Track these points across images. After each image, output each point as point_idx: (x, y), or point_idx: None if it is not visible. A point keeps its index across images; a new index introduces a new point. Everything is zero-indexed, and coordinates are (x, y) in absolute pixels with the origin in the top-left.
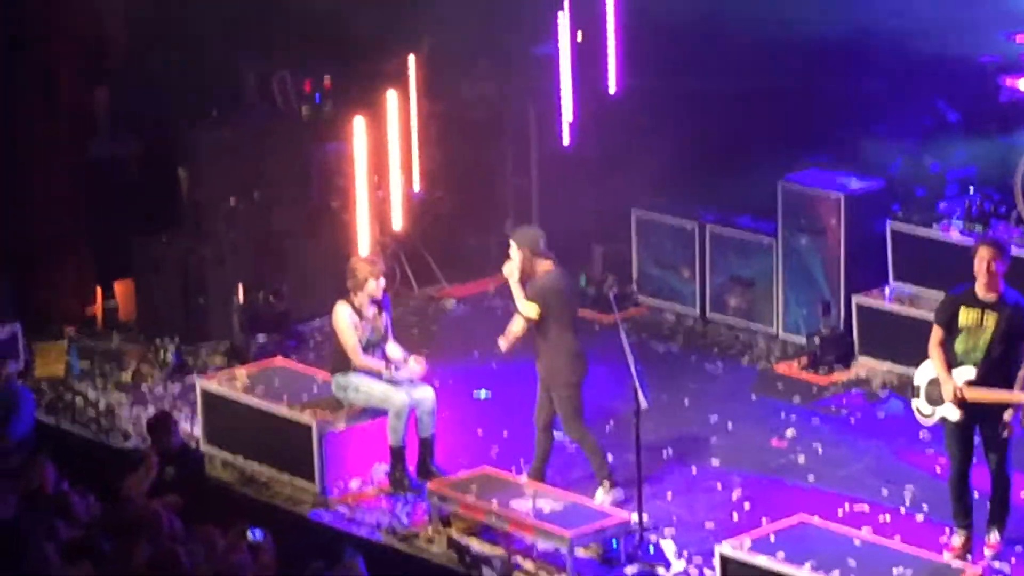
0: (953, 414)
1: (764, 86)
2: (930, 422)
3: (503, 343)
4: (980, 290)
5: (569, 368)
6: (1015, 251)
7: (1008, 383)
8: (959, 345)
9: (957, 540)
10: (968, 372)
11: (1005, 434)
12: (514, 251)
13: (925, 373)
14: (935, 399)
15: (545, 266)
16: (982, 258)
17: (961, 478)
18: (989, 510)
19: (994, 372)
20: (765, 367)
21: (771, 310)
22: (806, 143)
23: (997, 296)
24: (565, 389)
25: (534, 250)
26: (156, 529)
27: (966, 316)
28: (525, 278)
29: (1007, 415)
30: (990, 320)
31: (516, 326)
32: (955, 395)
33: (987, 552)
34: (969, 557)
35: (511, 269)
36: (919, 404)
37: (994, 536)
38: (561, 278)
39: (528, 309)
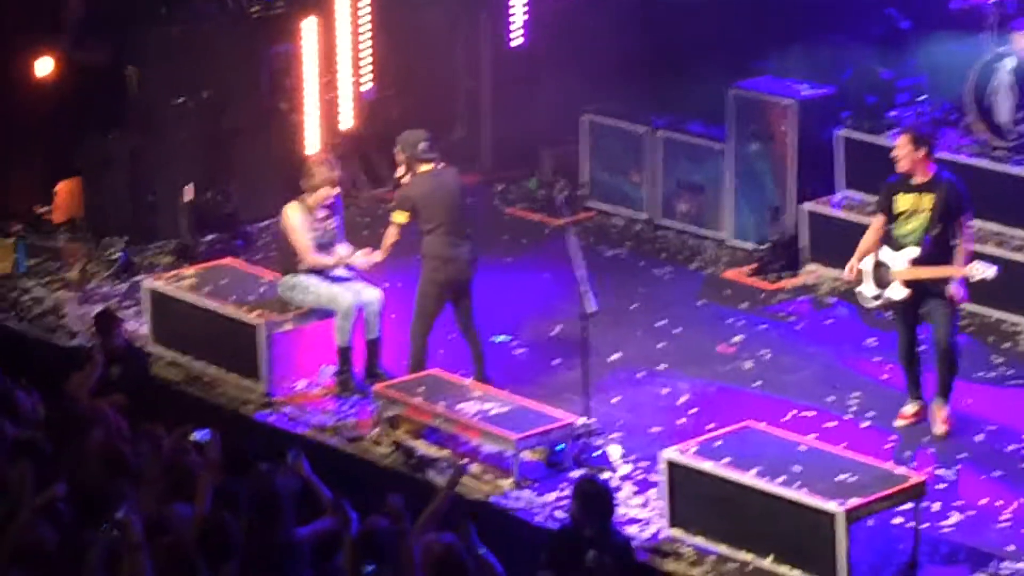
0: (899, 293)
1: None
2: (876, 304)
3: (378, 254)
4: (913, 176)
5: (431, 267)
6: (965, 160)
7: (948, 258)
8: (900, 229)
9: (909, 408)
10: (912, 252)
11: (954, 299)
12: (399, 155)
13: (871, 259)
14: (881, 281)
15: (425, 169)
16: (899, 146)
17: (909, 352)
18: (938, 384)
19: (935, 250)
20: (713, 273)
21: (720, 216)
22: (758, 50)
23: (930, 178)
24: (422, 286)
25: (414, 154)
26: (101, 427)
27: (904, 201)
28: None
29: (950, 289)
30: (926, 201)
31: (389, 237)
32: (850, 271)
33: (940, 428)
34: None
35: (401, 172)
36: (864, 288)
37: (945, 411)
38: (435, 178)
39: (396, 215)
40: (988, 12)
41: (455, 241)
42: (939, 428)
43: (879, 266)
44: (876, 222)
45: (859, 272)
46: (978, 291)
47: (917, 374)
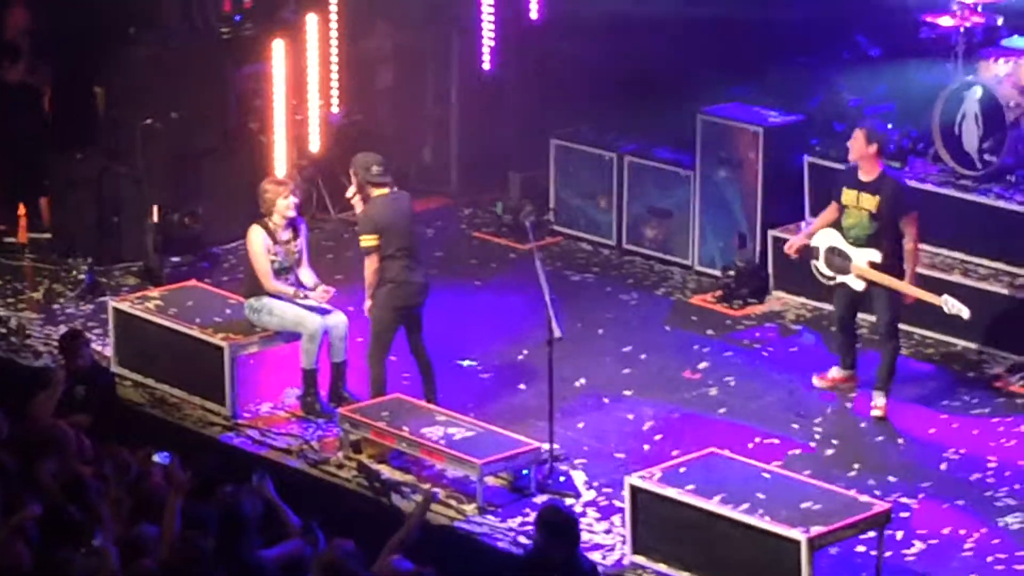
0: (858, 285)
1: (685, 16)
2: (830, 284)
3: (367, 298)
4: (861, 172)
5: (386, 293)
6: (932, 188)
7: (900, 255)
8: (844, 221)
9: (835, 372)
10: (873, 255)
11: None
12: (352, 177)
13: (824, 239)
14: (836, 267)
15: (379, 192)
16: (854, 138)
17: (843, 329)
18: (879, 370)
19: (890, 250)
20: (680, 299)
21: (687, 242)
22: (726, 76)
23: (875, 177)
24: (376, 312)
25: (367, 177)
26: (63, 448)
27: (847, 196)
28: (364, 203)
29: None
30: (865, 201)
31: (369, 266)
32: (790, 248)
33: (875, 412)
34: (853, 395)
35: (352, 192)
36: (819, 265)
37: (881, 399)
38: (390, 204)
39: (364, 240)
40: (956, 41)
41: (411, 265)
42: (876, 412)
43: (833, 251)
44: (830, 208)
45: (809, 249)
46: (943, 320)
47: (850, 347)
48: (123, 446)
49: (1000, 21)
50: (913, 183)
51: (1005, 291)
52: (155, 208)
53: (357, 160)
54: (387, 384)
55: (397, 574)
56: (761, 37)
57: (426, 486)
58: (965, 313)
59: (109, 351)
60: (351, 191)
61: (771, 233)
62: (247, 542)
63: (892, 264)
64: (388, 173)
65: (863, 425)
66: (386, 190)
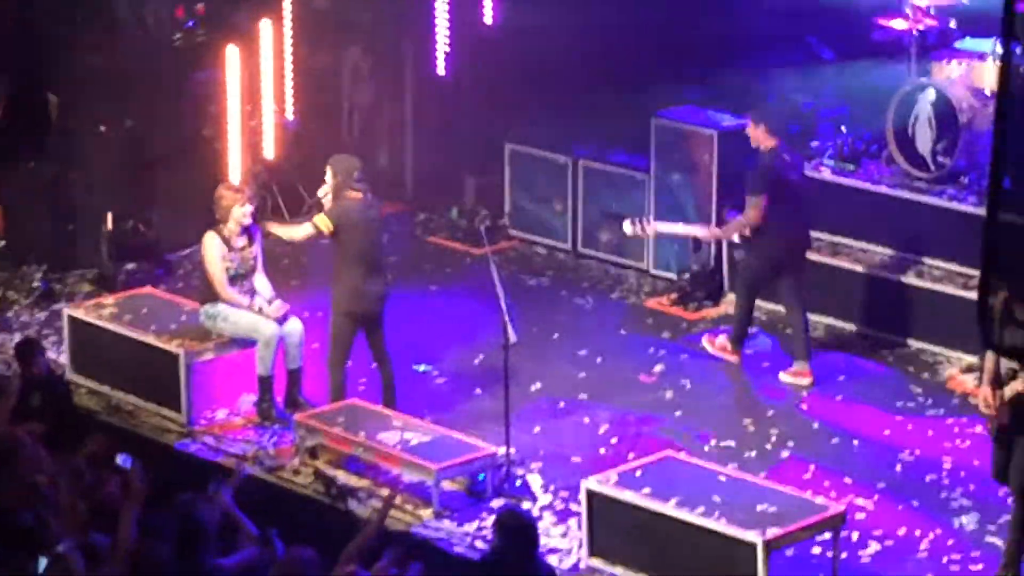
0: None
1: (639, 21)
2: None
3: (272, 226)
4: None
5: (344, 298)
6: (886, 190)
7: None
8: None
9: (722, 339)
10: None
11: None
12: (329, 176)
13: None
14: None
15: (354, 196)
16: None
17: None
18: (795, 344)
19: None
20: (635, 302)
21: (642, 246)
22: (680, 79)
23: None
24: (335, 317)
25: (346, 180)
26: (17, 456)
27: None
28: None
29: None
30: None
31: (301, 230)
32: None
33: (805, 381)
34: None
35: (325, 191)
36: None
37: (807, 366)
38: (363, 210)
39: (321, 220)
40: (909, 43)
41: (371, 273)
42: (805, 381)
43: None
44: None
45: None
46: (899, 322)
47: (745, 328)
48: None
49: (953, 23)
50: (867, 185)
51: (959, 292)
52: (109, 215)
53: (338, 161)
54: (347, 390)
55: None
56: (714, 40)
57: (385, 492)
58: (650, 231)
59: (64, 358)
60: (324, 190)
61: None
62: (204, 550)
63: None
64: (366, 180)
65: (817, 427)
66: (360, 195)
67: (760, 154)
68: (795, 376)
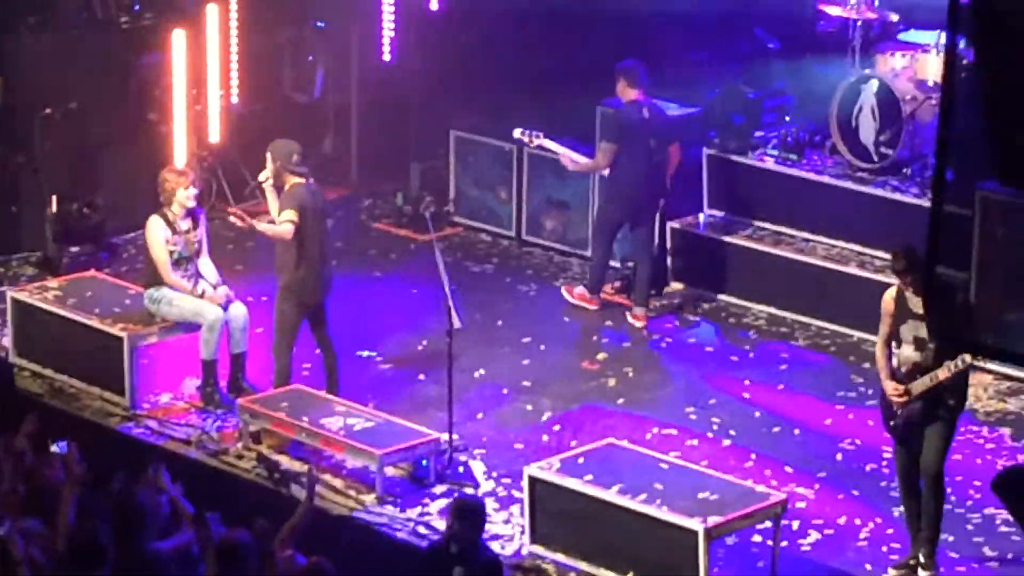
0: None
1: (586, 9)
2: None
3: (260, 226)
4: None
5: (295, 287)
6: (830, 180)
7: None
8: None
9: (580, 289)
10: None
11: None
12: (269, 161)
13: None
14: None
15: (296, 181)
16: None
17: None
18: (638, 286)
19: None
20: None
21: (586, 233)
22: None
23: None
24: (282, 304)
25: (286, 164)
26: None
27: None
28: (275, 189)
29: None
30: None
31: (283, 230)
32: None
33: (639, 323)
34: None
35: (266, 176)
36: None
37: (643, 310)
38: (311, 196)
39: (290, 214)
40: (853, 35)
41: (319, 259)
42: (639, 323)
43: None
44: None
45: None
46: (840, 312)
47: (603, 274)
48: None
49: (895, 16)
50: (810, 175)
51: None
52: (54, 198)
53: (277, 146)
54: (292, 376)
55: (293, 569)
56: (660, 30)
57: (306, 466)
58: (536, 142)
59: (7, 341)
60: (264, 175)
61: (670, 225)
62: (142, 533)
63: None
64: (305, 164)
65: (759, 415)
66: (301, 180)
67: (621, 106)
68: (633, 318)
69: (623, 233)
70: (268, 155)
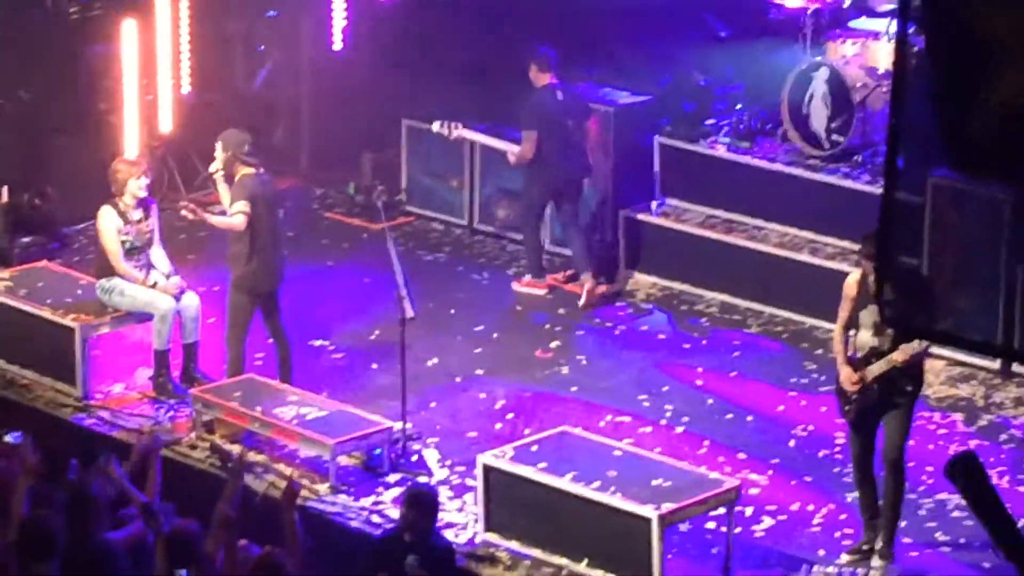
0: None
1: None
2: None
3: (212, 219)
4: None
5: (249, 277)
6: (781, 168)
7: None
8: None
9: (526, 278)
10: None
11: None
12: (219, 152)
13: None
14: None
15: (247, 171)
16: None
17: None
18: (581, 258)
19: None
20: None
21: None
22: (577, 56)
23: None
24: (235, 294)
25: (236, 154)
26: None
27: None
28: (226, 180)
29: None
30: None
31: (236, 221)
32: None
33: (585, 299)
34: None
35: (216, 167)
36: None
37: (593, 283)
38: (262, 185)
39: (242, 206)
40: (803, 22)
41: (270, 249)
42: (590, 288)
43: None
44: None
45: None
46: (792, 298)
47: (540, 256)
48: None
49: (847, 3)
50: (762, 163)
51: (853, 270)
52: (4, 188)
53: (228, 136)
54: (244, 366)
55: (248, 558)
56: (611, 17)
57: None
58: (456, 134)
59: None
60: (215, 165)
61: (622, 213)
62: (95, 524)
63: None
64: (256, 153)
65: (712, 402)
66: (252, 170)
67: (533, 91)
68: (580, 286)
69: (550, 214)
70: (219, 144)
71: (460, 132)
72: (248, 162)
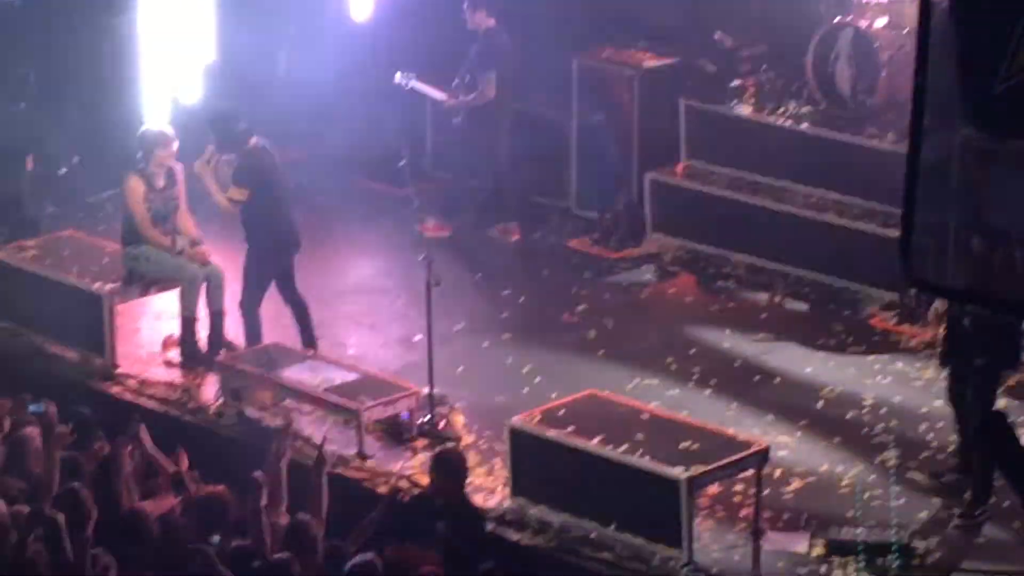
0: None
1: None
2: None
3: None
4: None
5: (256, 240)
6: (806, 129)
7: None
8: None
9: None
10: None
11: None
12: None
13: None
14: None
15: (250, 144)
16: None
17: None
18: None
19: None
20: (557, 242)
21: (565, 186)
22: (601, 21)
23: None
24: (248, 260)
25: (235, 133)
26: None
27: None
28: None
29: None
30: None
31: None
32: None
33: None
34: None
35: (207, 158)
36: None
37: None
38: (261, 155)
39: (235, 195)
40: None
41: (280, 214)
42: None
43: None
44: None
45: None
46: (819, 260)
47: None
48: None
49: None
50: (787, 124)
51: (879, 230)
52: (30, 157)
53: (217, 116)
54: (262, 332)
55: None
56: None
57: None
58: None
59: None
60: (205, 157)
61: (648, 176)
62: (122, 492)
63: None
64: (253, 129)
65: (739, 364)
66: (256, 140)
67: (481, 35)
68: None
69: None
70: (211, 127)
71: (413, 84)
72: (246, 136)
